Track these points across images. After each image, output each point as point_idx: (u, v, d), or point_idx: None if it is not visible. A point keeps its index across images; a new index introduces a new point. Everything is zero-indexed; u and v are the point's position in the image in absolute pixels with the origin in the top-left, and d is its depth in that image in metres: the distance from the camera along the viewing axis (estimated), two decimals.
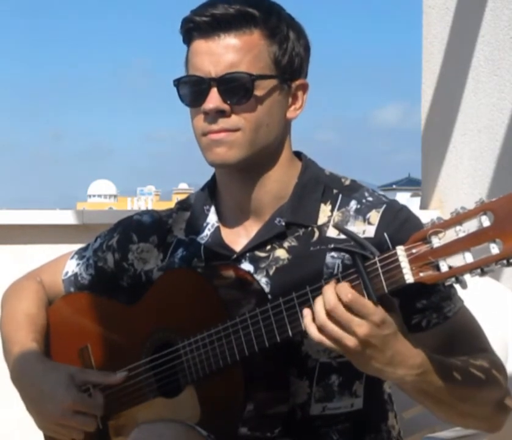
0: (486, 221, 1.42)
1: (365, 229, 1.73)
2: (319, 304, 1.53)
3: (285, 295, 1.63)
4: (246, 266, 1.77)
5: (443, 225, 1.46)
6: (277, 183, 1.79)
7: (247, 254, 1.78)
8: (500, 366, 1.70)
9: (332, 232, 1.75)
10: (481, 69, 3.74)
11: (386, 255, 1.51)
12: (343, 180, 1.83)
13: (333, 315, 1.51)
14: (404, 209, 1.77)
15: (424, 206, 4.09)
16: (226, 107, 1.71)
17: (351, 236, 1.58)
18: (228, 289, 1.74)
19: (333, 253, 1.73)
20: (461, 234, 1.44)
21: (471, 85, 3.79)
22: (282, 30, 1.75)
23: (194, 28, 1.74)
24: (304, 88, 1.80)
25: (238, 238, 1.81)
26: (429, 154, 4.07)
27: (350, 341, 1.51)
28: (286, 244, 1.77)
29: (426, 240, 1.47)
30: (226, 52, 1.71)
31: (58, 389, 1.80)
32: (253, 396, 1.69)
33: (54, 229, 3.54)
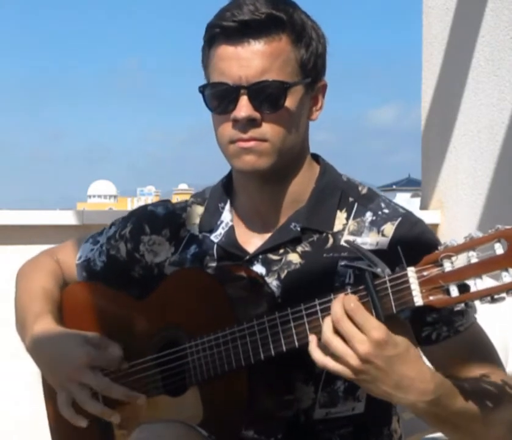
0: (499, 249, 1.40)
1: (379, 241, 1.72)
2: (327, 320, 1.52)
3: (295, 300, 1.62)
4: (258, 268, 1.76)
5: (456, 250, 1.44)
6: (297, 187, 1.78)
7: (260, 256, 1.77)
8: (510, 386, 1.67)
9: (346, 241, 1.73)
10: (481, 70, 3.75)
11: (396, 275, 1.49)
12: (360, 188, 1.81)
13: (338, 327, 1.49)
14: (419, 223, 1.75)
15: (424, 206, 4.09)
16: (257, 115, 1.68)
17: (362, 252, 1.56)
18: (238, 291, 1.73)
19: (345, 262, 1.72)
20: (473, 260, 1.42)
21: (471, 85, 3.79)
22: (307, 33, 1.72)
23: (221, 33, 1.70)
24: (324, 89, 1.79)
25: (252, 239, 1.80)
26: (429, 154, 4.07)
27: (352, 359, 1.48)
28: (299, 249, 1.75)
29: (437, 263, 1.46)
30: (256, 59, 1.67)
31: (74, 348, 1.79)
32: (259, 400, 1.68)
33: (54, 229, 3.54)
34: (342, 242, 1.74)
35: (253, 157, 1.70)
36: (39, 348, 1.87)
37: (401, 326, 1.51)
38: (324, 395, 1.74)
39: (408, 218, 1.75)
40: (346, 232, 1.75)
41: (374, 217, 1.75)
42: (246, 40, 1.68)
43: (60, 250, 2.07)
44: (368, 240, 1.72)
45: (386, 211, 1.76)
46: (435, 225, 3.93)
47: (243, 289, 1.73)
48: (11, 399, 3.37)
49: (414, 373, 1.51)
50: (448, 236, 3.83)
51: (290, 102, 1.70)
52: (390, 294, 1.48)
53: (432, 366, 1.72)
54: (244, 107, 1.68)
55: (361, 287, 1.51)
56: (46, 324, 1.87)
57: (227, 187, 1.86)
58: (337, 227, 1.75)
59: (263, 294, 1.72)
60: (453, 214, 3.92)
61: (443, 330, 1.69)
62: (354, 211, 1.77)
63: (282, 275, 1.74)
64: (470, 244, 1.43)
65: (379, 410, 1.79)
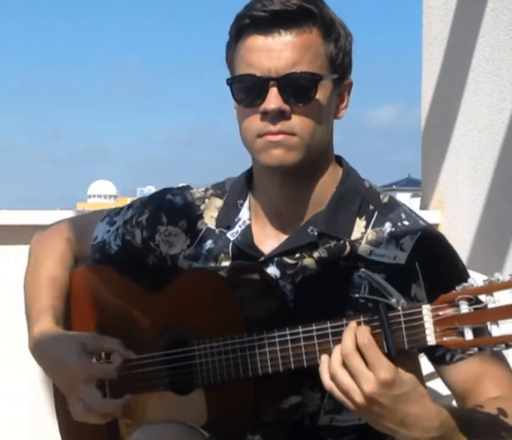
0: None
1: (397, 255, 1.69)
2: (336, 350, 1.50)
3: (307, 306, 1.62)
4: (272, 270, 1.74)
5: (474, 292, 1.42)
6: (319, 188, 1.75)
7: (275, 258, 1.74)
8: None
9: (363, 250, 1.71)
10: (481, 70, 3.74)
11: (411, 311, 1.47)
12: (381, 196, 1.78)
13: (346, 361, 1.48)
14: (439, 238, 1.74)
15: (424, 206, 4.09)
16: (287, 108, 1.66)
17: (378, 282, 1.54)
18: (250, 293, 1.72)
19: (361, 273, 1.69)
20: (491, 305, 1.40)
21: (471, 86, 3.79)
22: (337, 28, 1.71)
23: (251, 24, 1.67)
24: (350, 87, 1.77)
25: (268, 239, 1.77)
26: (429, 154, 4.07)
27: (357, 396, 1.47)
28: (316, 254, 1.72)
29: (454, 303, 1.44)
30: (286, 50, 1.65)
31: (69, 358, 1.77)
32: (265, 406, 1.68)
33: None
34: (359, 252, 1.71)
35: (282, 151, 1.67)
36: (38, 352, 1.86)
37: (410, 359, 1.50)
38: (330, 402, 1.73)
39: (428, 232, 1.72)
40: (363, 241, 1.72)
41: (393, 229, 1.72)
42: (277, 31, 1.65)
43: (73, 226, 2.03)
44: (386, 252, 1.70)
45: (406, 222, 1.73)
46: (435, 225, 3.93)
47: (255, 292, 1.72)
48: (11, 399, 3.36)
49: (419, 410, 1.49)
50: (448, 236, 3.82)
51: (320, 96, 1.68)
52: (403, 329, 1.47)
53: (445, 384, 1.71)
54: (273, 99, 1.65)
55: (374, 317, 1.49)
56: (46, 325, 1.85)
57: (248, 183, 1.83)
58: (355, 234, 1.73)
59: (275, 298, 1.70)
60: (453, 214, 3.91)
61: (457, 351, 1.67)
62: (373, 219, 1.74)
63: (296, 280, 1.72)
64: (488, 288, 1.41)
65: None
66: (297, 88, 1.65)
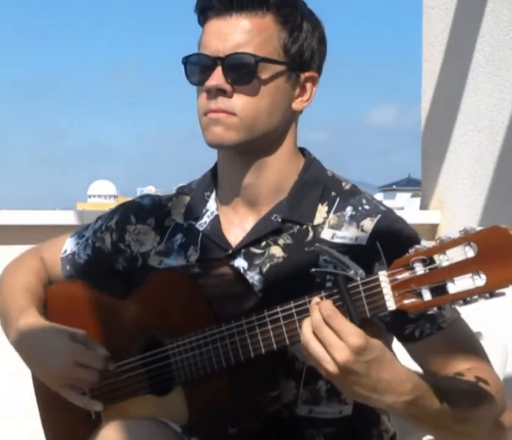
0: (469, 252, 1.39)
1: (358, 236, 1.71)
2: (306, 322, 1.50)
3: (277, 294, 1.62)
4: (240, 261, 1.76)
5: (426, 253, 1.43)
6: (276, 174, 1.77)
7: (242, 250, 1.77)
8: (496, 382, 1.66)
9: (326, 234, 1.74)
10: (481, 70, 3.75)
11: (368, 279, 1.47)
12: (343, 184, 1.81)
13: (317, 333, 1.48)
14: (399, 220, 1.75)
15: (424, 206, 4.10)
16: (227, 87, 1.69)
17: (335, 256, 1.54)
18: (218, 289, 1.73)
19: (326, 257, 1.70)
20: (444, 263, 1.40)
21: (471, 85, 3.79)
22: (295, 19, 1.73)
23: (208, 7, 1.73)
24: (313, 80, 1.78)
25: (234, 229, 1.80)
26: (429, 154, 4.07)
27: (330, 365, 1.46)
28: (281, 241, 1.75)
29: (409, 266, 1.44)
30: (235, 32, 1.70)
31: (60, 344, 1.80)
32: (243, 397, 1.68)
33: (54, 229, 3.51)
34: (322, 236, 1.74)
35: (221, 129, 1.70)
36: (24, 342, 1.88)
37: (376, 328, 1.50)
38: (306, 392, 1.73)
39: (388, 215, 1.74)
40: (326, 226, 1.75)
41: (354, 212, 1.74)
42: (229, 14, 1.70)
43: (45, 248, 2.07)
44: (348, 234, 1.72)
45: (366, 207, 1.75)
46: (435, 225, 3.93)
47: (223, 287, 1.74)
48: (11, 399, 3.37)
49: (390, 375, 1.49)
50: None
51: (264, 79, 1.71)
52: (363, 298, 1.47)
53: (416, 363, 1.71)
54: (215, 77, 1.69)
55: (335, 290, 1.50)
56: (31, 318, 1.87)
57: (214, 176, 1.86)
58: (318, 220, 1.75)
59: (243, 290, 1.72)
60: (453, 214, 3.92)
61: (426, 327, 1.67)
62: (335, 205, 1.76)
63: (264, 269, 1.74)
64: (440, 248, 1.41)
65: (366, 411, 1.75)
66: (238, 68, 1.69)
